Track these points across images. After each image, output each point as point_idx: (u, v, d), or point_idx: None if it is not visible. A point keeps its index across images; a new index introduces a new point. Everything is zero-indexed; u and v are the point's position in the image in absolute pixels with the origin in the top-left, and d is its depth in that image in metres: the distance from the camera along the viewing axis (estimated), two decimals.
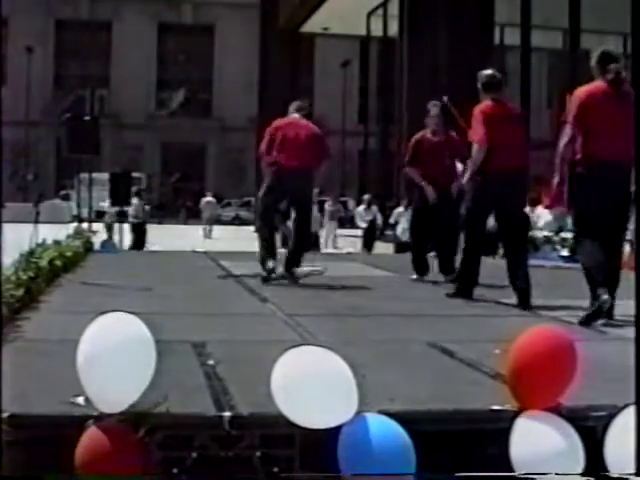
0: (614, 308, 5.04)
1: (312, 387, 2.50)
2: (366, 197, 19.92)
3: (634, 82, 4.95)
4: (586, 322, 4.90)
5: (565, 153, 5.14)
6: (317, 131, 7.31)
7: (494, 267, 7.07)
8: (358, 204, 21.03)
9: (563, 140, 5.15)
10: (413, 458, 2.50)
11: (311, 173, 7.19)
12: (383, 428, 2.52)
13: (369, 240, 18.87)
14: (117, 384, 2.53)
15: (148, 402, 2.58)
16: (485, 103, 6.12)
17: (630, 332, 3.71)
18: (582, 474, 2.57)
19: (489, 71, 6.30)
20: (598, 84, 5.19)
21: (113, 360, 2.52)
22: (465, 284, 6.21)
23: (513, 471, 2.60)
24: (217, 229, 30.24)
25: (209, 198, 30.95)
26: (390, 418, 2.58)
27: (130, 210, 18.51)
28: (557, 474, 2.53)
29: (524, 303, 5.73)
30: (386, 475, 2.44)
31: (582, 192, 5.11)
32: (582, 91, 5.19)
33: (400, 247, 17.27)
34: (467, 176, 6.21)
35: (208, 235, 28.48)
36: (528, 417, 2.67)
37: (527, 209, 12.66)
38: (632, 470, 2.53)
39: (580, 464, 2.59)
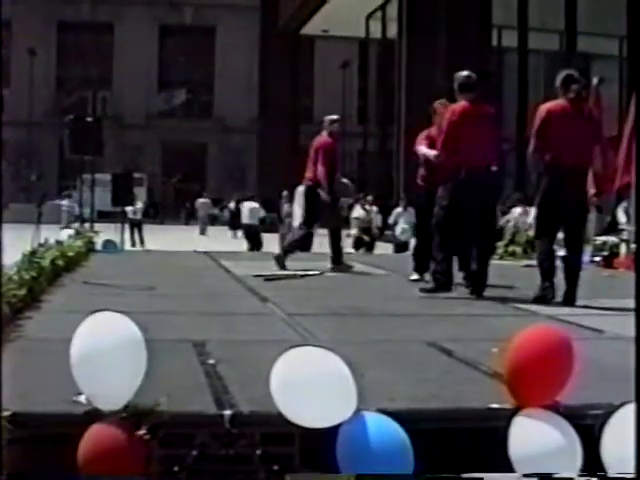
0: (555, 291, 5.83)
1: (311, 386, 2.51)
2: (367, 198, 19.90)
3: (632, 83, 5.12)
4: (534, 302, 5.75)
5: (532, 161, 5.95)
6: None
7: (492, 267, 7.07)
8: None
9: (529, 151, 5.92)
10: (411, 456, 2.51)
11: None
12: (382, 426, 2.54)
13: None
14: (110, 382, 2.55)
15: (149, 401, 2.59)
16: (461, 104, 6.24)
17: (626, 331, 3.73)
18: (582, 473, 2.59)
19: (465, 72, 6.50)
20: (559, 102, 5.88)
21: (104, 358, 2.54)
22: (441, 281, 6.17)
23: (512, 468, 2.62)
24: (217, 230, 30.76)
25: (203, 199, 33.51)
26: (389, 416, 2.59)
27: (244, 216, 19.25)
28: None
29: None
30: (385, 474, 2.45)
31: (543, 191, 5.87)
32: (544, 108, 5.88)
33: (399, 247, 17.29)
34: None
35: (203, 233, 30.51)
36: (526, 415, 2.69)
37: (519, 210, 12.70)
38: (629, 468, 2.53)
39: (578, 461, 2.61)
